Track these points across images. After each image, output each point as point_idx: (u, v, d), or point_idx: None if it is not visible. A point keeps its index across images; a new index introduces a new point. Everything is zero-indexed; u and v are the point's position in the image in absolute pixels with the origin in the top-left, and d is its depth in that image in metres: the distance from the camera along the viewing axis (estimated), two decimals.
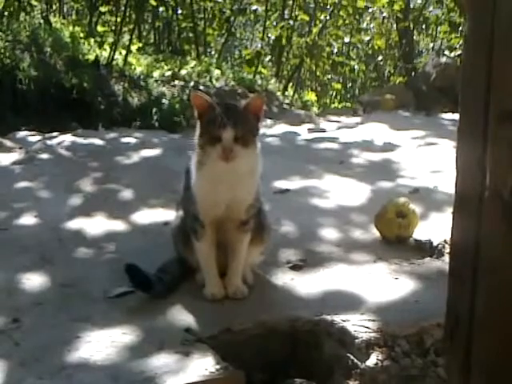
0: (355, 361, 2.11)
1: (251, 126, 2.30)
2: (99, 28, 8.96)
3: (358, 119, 6.58)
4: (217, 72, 8.27)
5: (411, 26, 11.03)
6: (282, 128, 6.11)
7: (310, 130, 5.91)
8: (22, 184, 4.03)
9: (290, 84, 10.24)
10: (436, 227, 3.07)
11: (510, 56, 1.42)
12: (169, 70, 7.93)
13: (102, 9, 9.20)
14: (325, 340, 2.23)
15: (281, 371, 2.24)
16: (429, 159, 4.51)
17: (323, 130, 5.95)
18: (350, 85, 12.64)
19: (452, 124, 5.82)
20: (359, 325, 2.21)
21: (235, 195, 2.37)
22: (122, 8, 8.63)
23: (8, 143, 5.08)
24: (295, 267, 2.73)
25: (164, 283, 2.47)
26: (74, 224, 3.30)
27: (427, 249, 2.93)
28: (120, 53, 7.80)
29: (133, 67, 7.64)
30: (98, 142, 5.23)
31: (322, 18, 10.40)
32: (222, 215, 2.41)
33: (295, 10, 10.37)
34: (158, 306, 2.41)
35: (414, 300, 2.41)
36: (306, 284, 2.57)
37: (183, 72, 7.94)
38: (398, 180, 4.02)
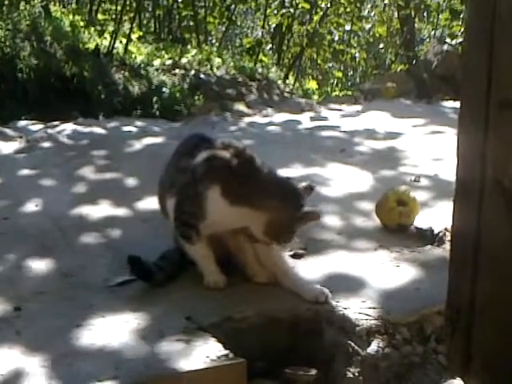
0: (356, 348, 2.12)
1: None
2: (99, 16, 8.93)
3: (359, 107, 6.55)
4: (217, 60, 8.25)
5: (412, 13, 10.99)
6: (282, 116, 6.10)
7: (312, 119, 5.89)
8: (24, 173, 4.03)
9: (291, 72, 10.21)
10: (437, 215, 3.07)
11: (511, 44, 1.42)
12: (169, 58, 7.91)
13: None
14: (326, 328, 2.24)
15: (282, 359, 2.24)
16: (430, 147, 4.50)
17: (324, 119, 5.93)
18: (351, 73, 12.62)
19: (453, 112, 5.79)
20: (360, 312, 2.22)
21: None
22: None
23: (9, 132, 5.08)
24: (296, 255, 2.73)
25: (164, 271, 2.47)
26: (76, 213, 3.30)
27: (428, 237, 2.93)
28: (120, 41, 7.77)
29: (133, 56, 7.62)
30: (99, 130, 5.23)
31: (323, 5, 10.37)
32: None
33: None
34: (159, 294, 2.41)
35: (415, 288, 2.41)
36: (307, 272, 2.57)
37: (184, 61, 7.92)
38: (399, 168, 4.01)
